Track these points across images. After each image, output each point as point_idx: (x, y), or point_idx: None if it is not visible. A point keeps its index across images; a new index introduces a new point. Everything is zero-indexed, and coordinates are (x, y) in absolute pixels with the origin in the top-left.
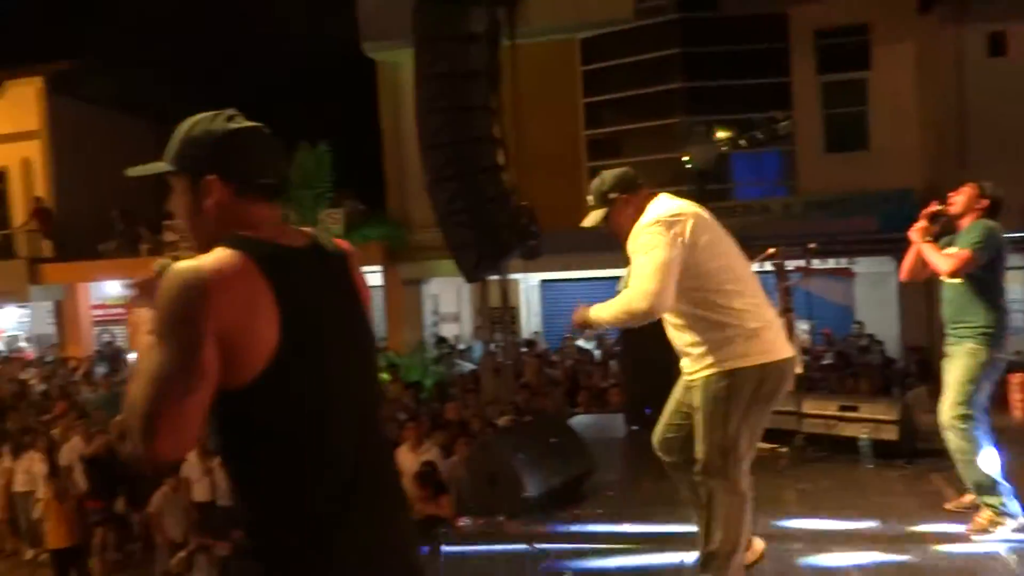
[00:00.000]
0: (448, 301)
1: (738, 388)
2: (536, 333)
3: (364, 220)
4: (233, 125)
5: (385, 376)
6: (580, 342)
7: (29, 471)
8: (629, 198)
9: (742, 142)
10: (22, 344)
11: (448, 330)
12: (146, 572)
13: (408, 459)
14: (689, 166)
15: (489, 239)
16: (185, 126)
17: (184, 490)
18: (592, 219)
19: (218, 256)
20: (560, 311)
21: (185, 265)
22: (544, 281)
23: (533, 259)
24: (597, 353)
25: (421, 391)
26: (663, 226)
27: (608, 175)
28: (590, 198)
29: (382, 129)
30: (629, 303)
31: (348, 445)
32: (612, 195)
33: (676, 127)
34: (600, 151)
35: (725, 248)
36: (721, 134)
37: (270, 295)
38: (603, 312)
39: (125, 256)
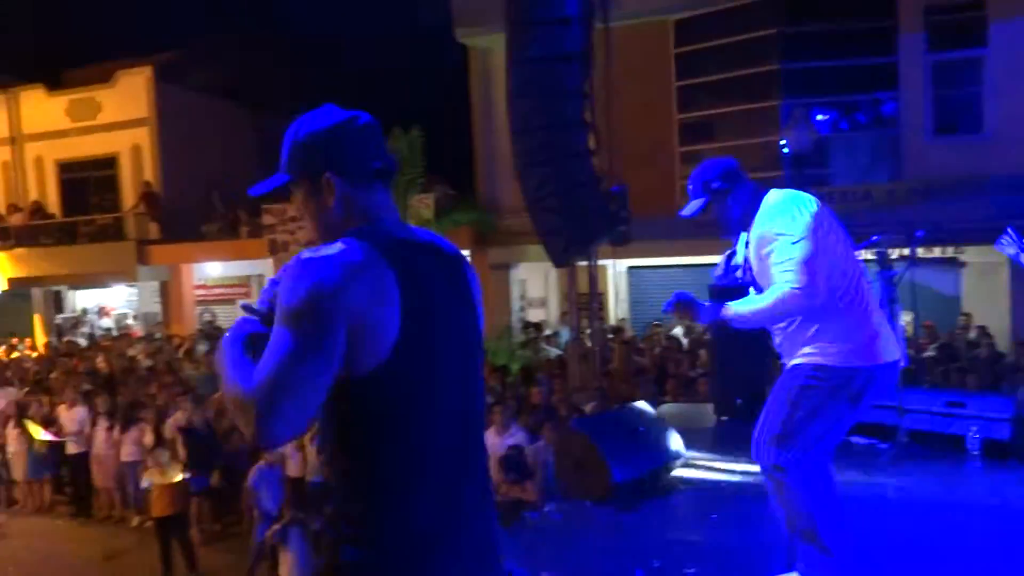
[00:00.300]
0: (535, 286)
1: (821, 384)
2: (623, 320)
3: (454, 205)
4: (334, 120)
5: None
6: (677, 330)
7: (137, 442)
8: (732, 188)
9: (842, 125)
10: (130, 322)
11: (535, 315)
12: (243, 543)
13: (494, 442)
14: (786, 151)
15: (578, 224)
16: (290, 133)
17: (280, 465)
18: (691, 208)
19: (347, 248)
20: (648, 298)
21: (314, 254)
22: (632, 267)
23: (623, 245)
24: (685, 341)
25: (507, 375)
26: (799, 217)
27: (711, 164)
28: (690, 186)
29: (472, 115)
30: (781, 297)
31: (455, 444)
32: (715, 185)
33: (773, 110)
34: (693, 135)
35: (843, 243)
36: (820, 117)
37: (394, 285)
38: (746, 308)
39: (226, 238)
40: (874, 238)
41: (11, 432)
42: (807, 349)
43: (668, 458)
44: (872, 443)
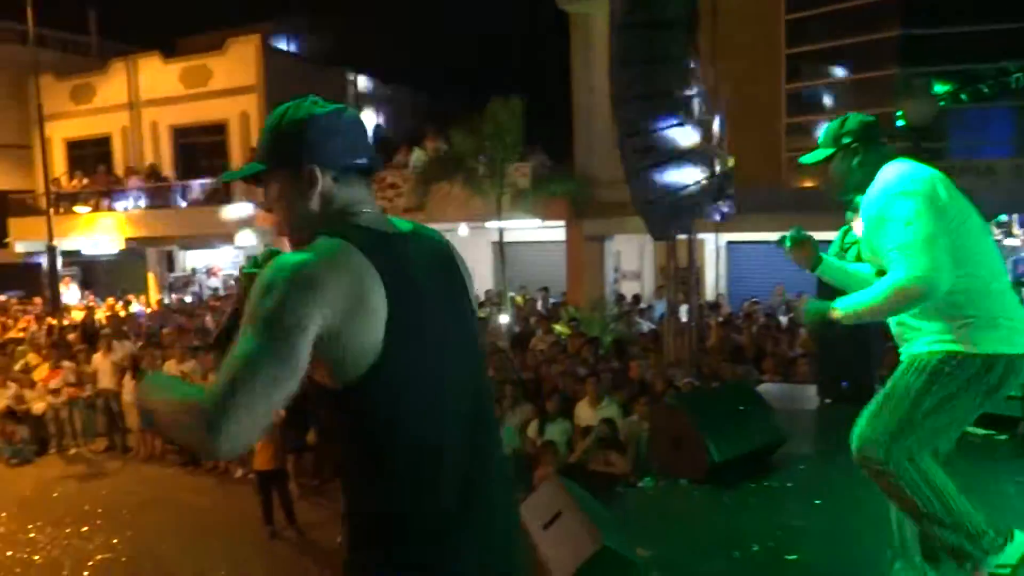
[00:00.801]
0: (630, 259)
1: (955, 373)
2: (720, 295)
3: (550, 175)
4: (319, 110)
5: (565, 329)
6: (779, 313)
7: None
8: (863, 148)
9: (964, 96)
10: (233, 283)
11: (628, 288)
12: (339, 499)
13: (587, 414)
14: (902, 123)
15: (680, 197)
16: (272, 120)
17: None
18: (813, 157)
19: (324, 247)
20: (746, 274)
21: (291, 258)
22: (731, 242)
23: (725, 219)
24: (784, 319)
25: (599, 347)
26: (922, 194)
27: (852, 117)
28: (821, 136)
29: (572, 83)
30: (897, 290)
31: (462, 437)
32: (846, 140)
33: (889, 80)
34: (801, 106)
35: (972, 219)
36: (940, 87)
37: (378, 283)
38: (859, 306)
39: None
40: (1002, 217)
41: (127, 383)
42: (938, 334)
43: (770, 440)
44: (990, 435)
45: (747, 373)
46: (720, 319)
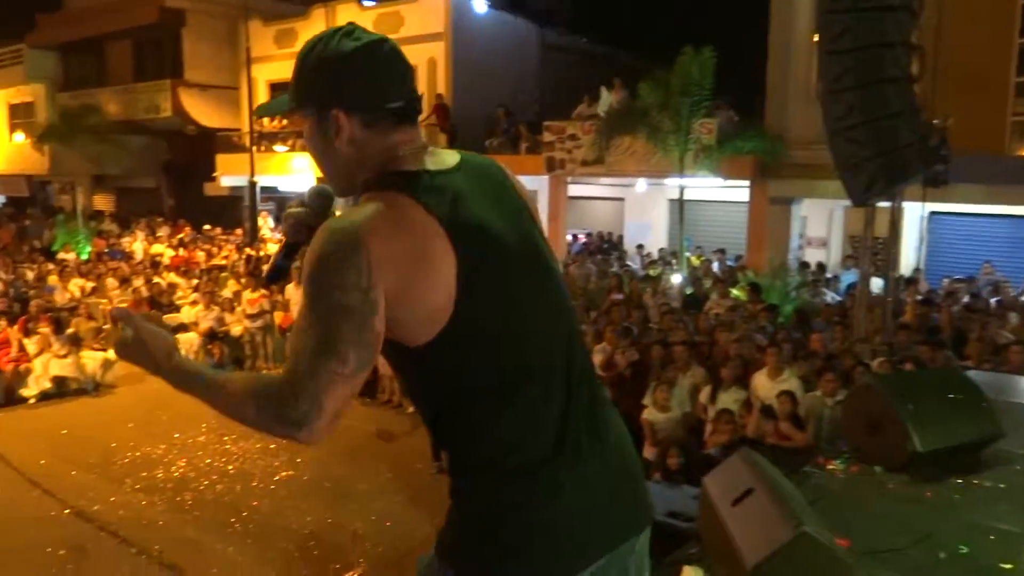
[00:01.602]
0: (817, 225)
1: None
2: (918, 270)
3: (737, 132)
4: (349, 45)
5: (742, 294)
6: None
7: None
8: None
9: None
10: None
11: (813, 256)
12: None
13: (765, 386)
14: None
15: (887, 160)
16: (301, 52)
17: None
18: None
19: (372, 209)
20: (947, 249)
21: (339, 223)
22: (934, 213)
23: (938, 187)
24: (993, 301)
25: (778, 316)
26: None
27: None
28: None
29: (770, 34)
30: None
31: (557, 376)
32: None
33: None
34: None
35: None
36: None
37: (437, 230)
38: None
39: (507, 153)
40: None
41: None
42: None
43: (983, 434)
44: None
45: (944, 357)
46: (919, 297)
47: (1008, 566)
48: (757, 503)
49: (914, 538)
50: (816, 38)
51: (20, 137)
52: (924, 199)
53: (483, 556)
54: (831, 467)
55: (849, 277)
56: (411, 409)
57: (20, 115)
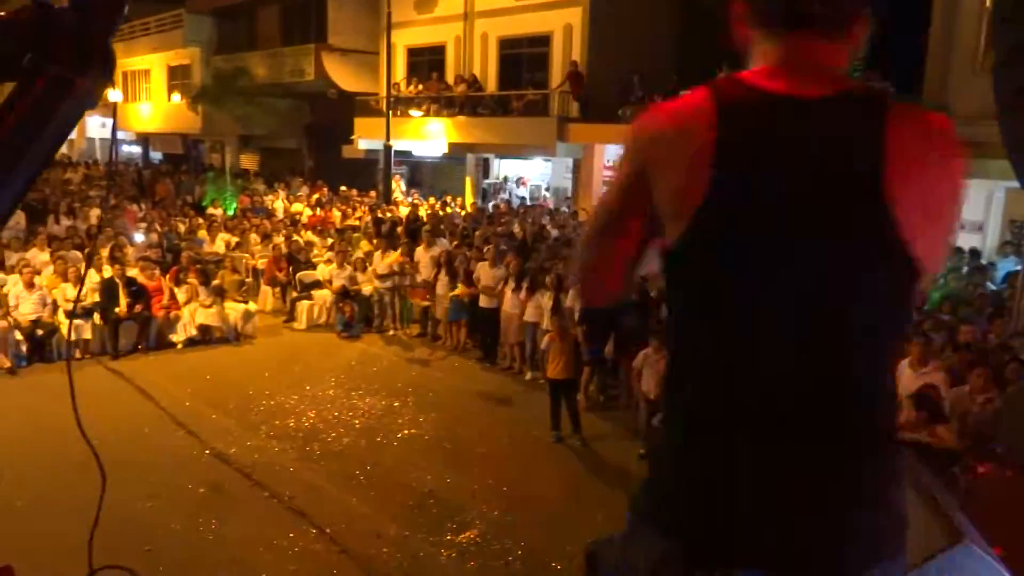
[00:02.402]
0: (972, 208)
1: None
2: None
3: None
4: None
5: None
6: None
7: (539, 305)
8: None
9: None
10: (544, 193)
11: (966, 241)
12: (622, 416)
13: (907, 376)
14: None
15: None
16: None
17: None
18: None
19: (681, 98)
20: None
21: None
22: None
23: None
24: None
25: (924, 303)
26: None
27: None
28: None
29: (932, 1)
30: None
31: (784, 350)
32: None
33: None
34: None
35: None
36: None
37: (709, 149)
38: None
39: None
40: None
41: (441, 277)
42: None
43: None
44: None
45: None
46: None
47: None
48: (908, 503)
49: None
50: (989, 2)
51: (177, 98)
52: None
53: None
54: (982, 470)
55: (1008, 265)
56: (528, 376)
57: (178, 77)
